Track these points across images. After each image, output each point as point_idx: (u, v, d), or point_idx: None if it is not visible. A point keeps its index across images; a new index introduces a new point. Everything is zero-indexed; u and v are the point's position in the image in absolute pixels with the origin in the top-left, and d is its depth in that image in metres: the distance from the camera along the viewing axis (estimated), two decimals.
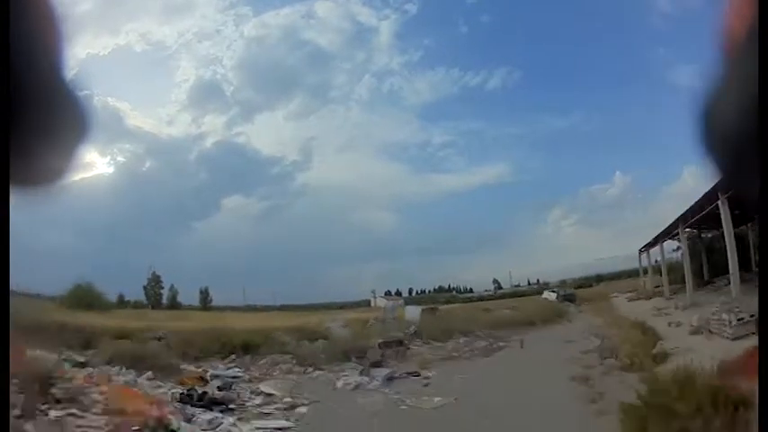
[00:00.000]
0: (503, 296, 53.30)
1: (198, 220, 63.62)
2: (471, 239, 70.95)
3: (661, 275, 29.73)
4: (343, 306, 47.35)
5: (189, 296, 43.36)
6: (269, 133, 76.97)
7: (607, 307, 30.13)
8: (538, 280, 63.39)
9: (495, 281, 64.64)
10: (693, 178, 65.88)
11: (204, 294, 44.88)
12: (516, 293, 56.27)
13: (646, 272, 35.98)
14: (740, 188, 0.50)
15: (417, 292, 63.60)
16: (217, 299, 45.20)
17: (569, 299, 36.41)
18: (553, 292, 40.35)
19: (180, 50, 71.18)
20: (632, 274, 52.03)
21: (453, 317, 24.72)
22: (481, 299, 52.96)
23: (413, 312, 25.56)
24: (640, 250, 35.67)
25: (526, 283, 64.40)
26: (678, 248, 29.09)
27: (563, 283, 54.97)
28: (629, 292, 35.75)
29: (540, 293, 48.53)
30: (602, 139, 75.79)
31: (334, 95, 73.89)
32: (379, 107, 79.24)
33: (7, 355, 0.50)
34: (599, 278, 59.96)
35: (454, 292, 62.66)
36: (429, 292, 63.91)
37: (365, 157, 75.93)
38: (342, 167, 74.60)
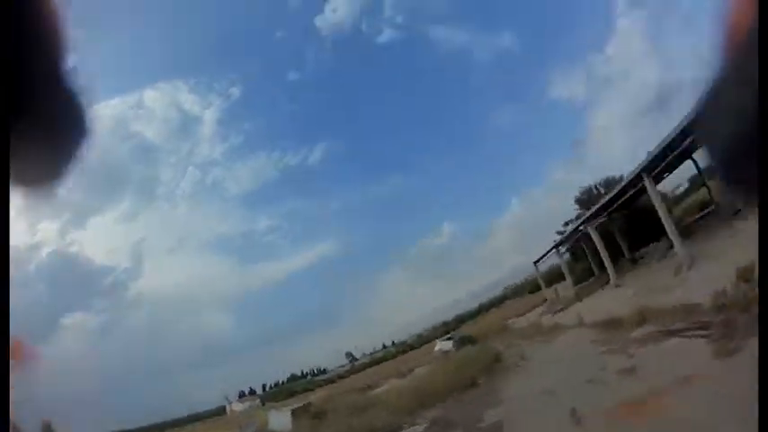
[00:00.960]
0: (363, 367, 51.67)
1: (40, 342, 62.82)
2: (310, 321, 69.16)
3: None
4: (198, 417, 45.62)
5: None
6: (101, 239, 76.54)
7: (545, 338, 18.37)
8: (393, 341, 62.72)
9: (349, 354, 62.45)
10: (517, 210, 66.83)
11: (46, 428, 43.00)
12: (374, 361, 54.61)
13: (550, 284, 35.06)
14: (739, 184, 0.52)
15: (271, 386, 60.08)
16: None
17: (469, 340, 27.91)
18: (447, 340, 31.50)
19: None
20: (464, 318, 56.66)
21: (335, 409, 16.27)
22: (340, 377, 50.49)
23: (280, 421, 16.94)
24: (535, 263, 35.10)
25: (381, 347, 63.12)
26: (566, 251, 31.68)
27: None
28: (534, 309, 32.92)
29: (397, 354, 46.70)
30: (422, 196, 71.02)
31: (161, 192, 70.98)
32: (204, 200, 75.27)
33: (7, 355, 0.50)
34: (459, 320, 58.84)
35: (309, 377, 59.57)
36: (283, 383, 59.88)
37: (194, 256, 71.89)
38: (172, 270, 71.21)
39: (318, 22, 69.78)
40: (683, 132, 14.44)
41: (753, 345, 5.55)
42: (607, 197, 22.97)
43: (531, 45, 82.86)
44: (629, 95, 70.71)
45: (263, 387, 60.99)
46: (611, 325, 12.96)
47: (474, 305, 68.54)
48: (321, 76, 76.14)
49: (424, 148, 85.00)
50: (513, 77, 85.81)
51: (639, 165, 18.24)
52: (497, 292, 69.78)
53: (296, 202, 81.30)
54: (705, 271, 12.53)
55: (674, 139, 15.16)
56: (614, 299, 17.46)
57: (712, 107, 0.50)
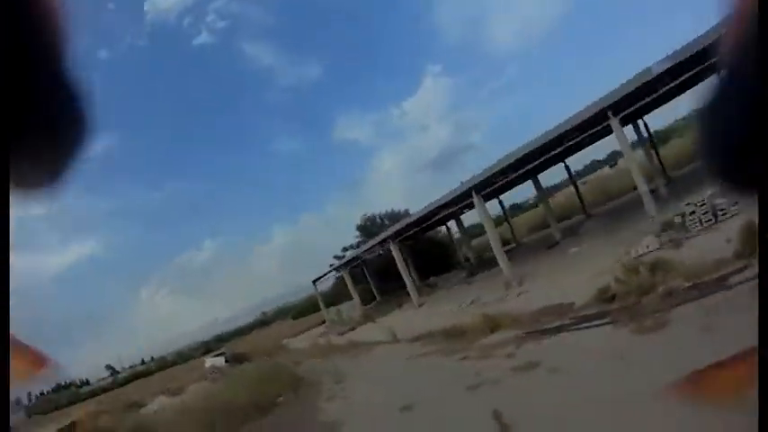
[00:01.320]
0: (125, 381, 50.20)
1: None
2: (67, 327, 64.25)
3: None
4: None
5: None
6: None
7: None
8: (152, 357, 61.54)
9: (110, 366, 59.60)
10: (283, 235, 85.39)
11: None
12: (136, 374, 52.83)
13: (332, 304, 33.55)
14: (739, 184, 0.52)
15: (37, 396, 52.66)
16: None
17: (243, 358, 26.50)
18: (219, 355, 28.73)
19: None
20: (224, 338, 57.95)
21: None
22: (104, 390, 48.17)
23: None
24: (314, 281, 33.44)
25: (140, 362, 61.52)
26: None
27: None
28: (312, 329, 33.07)
29: (158, 370, 46.67)
30: (193, 208, 74.74)
31: None
32: None
33: (7, 355, 0.50)
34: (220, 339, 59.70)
35: (73, 388, 54.79)
36: (48, 393, 53.38)
37: None
38: None
39: (147, 5, 57.02)
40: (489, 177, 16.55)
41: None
42: (401, 225, 23.29)
43: (335, 81, 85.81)
44: (415, 150, 79.17)
45: (28, 396, 47.70)
46: (452, 335, 11.83)
47: (233, 325, 68.32)
48: (128, 62, 64.02)
49: (207, 161, 79.95)
50: (309, 108, 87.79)
51: (441, 198, 19.23)
52: (259, 313, 70.68)
53: (68, 197, 64.32)
54: (537, 286, 13.29)
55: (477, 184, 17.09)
56: (428, 315, 17.10)
57: (713, 107, 0.52)
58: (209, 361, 27.61)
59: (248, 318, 69.22)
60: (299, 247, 75.11)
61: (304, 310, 51.15)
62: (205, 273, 65.82)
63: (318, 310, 35.51)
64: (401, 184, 78.38)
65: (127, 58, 62.88)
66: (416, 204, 74.57)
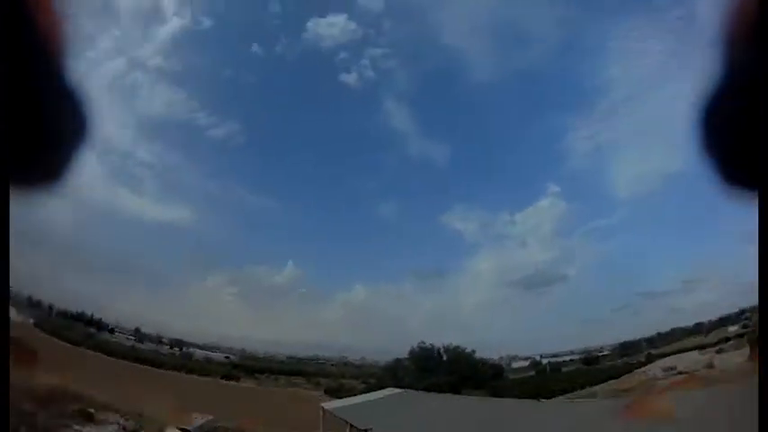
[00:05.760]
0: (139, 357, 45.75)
1: None
2: (129, 268, 61.13)
3: None
4: None
5: None
6: None
7: None
8: (182, 339, 58.30)
9: (138, 330, 55.84)
10: (363, 294, 67.59)
11: None
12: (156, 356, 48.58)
13: None
14: (739, 184, 0.51)
15: (58, 312, 50.85)
16: None
17: None
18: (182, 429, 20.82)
19: None
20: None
21: None
22: (124, 353, 45.19)
23: None
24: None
25: (169, 338, 57.69)
26: None
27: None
28: None
29: None
30: (288, 227, 74.94)
31: (89, 55, 62.61)
32: (112, 94, 65.02)
33: (7, 355, 0.50)
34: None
35: (93, 329, 51.19)
36: (69, 314, 51.03)
37: None
38: None
39: (310, 23, 67.47)
40: None
41: None
42: None
43: (459, 168, 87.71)
44: (511, 263, 75.16)
45: (50, 307, 49.69)
46: None
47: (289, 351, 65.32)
48: (275, 69, 73.80)
49: (309, 190, 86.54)
50: (426, 184, 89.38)
51: None
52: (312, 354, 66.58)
53: (181, 159, 75.22)
54: None
55: None
56: None
57: (713, 107, 0.50)
58: None
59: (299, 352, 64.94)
60: (367, 311, 71.94)
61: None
62: (279, 293, 66.00)
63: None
64: (487, 293, 73.72)
65: (275, 64, 71.64)
66: (493, 322, 67.44)
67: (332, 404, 22.54)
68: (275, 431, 26.75)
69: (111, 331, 52.15)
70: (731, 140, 0.50)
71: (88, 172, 60.80)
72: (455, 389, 30.36)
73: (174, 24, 62.42)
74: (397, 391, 24.44)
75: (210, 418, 25.06)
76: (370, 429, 18.28)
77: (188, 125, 65.56)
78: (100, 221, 63.73)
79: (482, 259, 71.52)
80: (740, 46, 0.46)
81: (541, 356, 55.19)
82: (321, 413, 21.85)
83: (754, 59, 0.44)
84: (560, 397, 33.19)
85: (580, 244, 73.23)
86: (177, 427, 23.35)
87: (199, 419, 24.84)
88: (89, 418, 22.78)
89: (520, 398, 29.19)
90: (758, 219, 0.50)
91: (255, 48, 66.44)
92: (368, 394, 25.28)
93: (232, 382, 47.24)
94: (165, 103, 66.87)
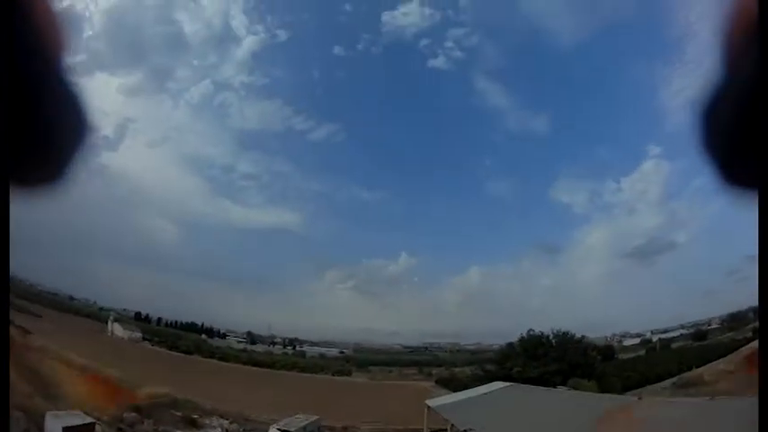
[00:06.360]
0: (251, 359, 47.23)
1: None
2: (240, 276, 65.17)
3: None
4: (77, 311, 45.30)
5: None
6: (97, 94, 71.24)
7: None
8: (297, 338, 60.03)
9: (250, 333, 58.19)
10: (478, 276, 63.23)
11: None
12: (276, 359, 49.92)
13: None
14: (738, 184, 0.52)
15: (167, 323, 54.53)
16: None
17: None
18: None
19: None
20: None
21: None
22: (235, 356, 47.03)
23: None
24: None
25: (283, 337, 59.41)
26: None
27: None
28: None
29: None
30: (399, 217, 73.01)
31: (170, 87, 66.17)
32: (204, 116, 74.68)
33: (7, 354, 0.51)
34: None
35: (204, 336, 54.48)
36: (178, 324, 54.36)
37: (171, 160, 69.73)
38: (146, 162, 67.17)
39: (385, 17, 65.70)
40: None
41: None
42: None
43: (560, 139, 79.40)
44: (621, 233, 67.34)
45: (158, 320, 54.12)
46: None
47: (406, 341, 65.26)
48: (362, 66, 73.11)
49: (417, 180, 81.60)
50: (529, 159, 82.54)
51: None
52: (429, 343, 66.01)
53: (284, 165, 77.00)
54: None
55: None
56: None
57: (713, 106, 0.51)
58: None
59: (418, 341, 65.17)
60: (484, 292, 70.65)
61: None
62: (393, 284, 68.53)
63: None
64: (600, 266, 67.45)
65: (360, 61, 71.81)
66: (607, 298, 62.67)
67: (436, 401, 21.69)
68: (381, 429, 25.84)
69: (223, 336, 56.22)
70: (732, 140, 0.49)
71: (193, 189, 68.75)
72: (564, 376, 30.20)
73: (250, 42, 65.34)
74: (502, 385, 23.56)
75: (315, 418, 23.69)
76: (471, 430, 17.06)
77: (286, 133, 68.60)
78: (208, 234, 69.79)
79: (593, 231, 66.61)
80: (741, 45, 0.46)
81: (652, 333, 53.70)
82: (426, 410, 21.31)
83: (753, 59, 0.44)
84: (667, 382, 32.60)
85: (688, 205, 61.94)
86: (278, 429, 22.64)
87: (302, 420, 23.84)
88: (192, 424, 23.36)
89: (627, 384, 30.97)
90: (758, 218, 0.51)
91: (338, 49, 67.77)
92: (473, 390, 24.14)
93: (344, 377, 47.01)
94: (258, 115, 71.42)
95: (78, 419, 15.28)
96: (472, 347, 61.14)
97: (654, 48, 64.38)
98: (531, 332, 36.88)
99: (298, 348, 58.77)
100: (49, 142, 0.49)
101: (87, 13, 58.78)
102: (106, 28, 60.70)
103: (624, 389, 29.35)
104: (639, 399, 17.99)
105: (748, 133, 0.46)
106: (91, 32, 59.16)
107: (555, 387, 25.02)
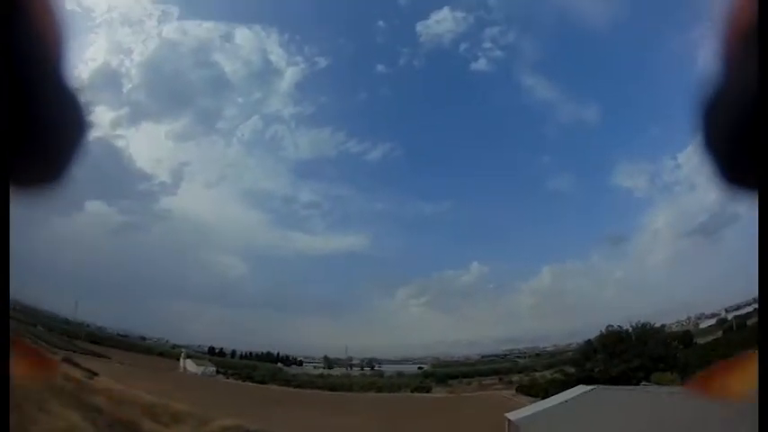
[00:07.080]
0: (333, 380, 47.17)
1: (58, 215, 52.31)
2: (312, 303, 64.56)
3: None
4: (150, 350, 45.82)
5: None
6: (148, 145, 71.04)
7: None
8: (374, 358, 58.66)
9: (326, 358, 56.49)
10: (550, 276, 63.43)
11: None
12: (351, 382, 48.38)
13: None
14: (738, 183, 0.51)
15: (241, 355, 54.39)
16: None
17: None
18: None
19: (102, 26, 61.92)
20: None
21: None
22: (312, 382, 45.71)
23: None
24: None
25: (360, 358, 57.90)
26: None
27: None
28: None
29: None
30: (464, 226, 72.50)
31: (220, 127, 68.88)
32: (258, 151, 74.96)
33: (7, 354, 0.50)
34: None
35: (280, 365, 53.46)
36: (253, 356, 54.20)
37: (230, 198, 71.45)
38: (206, 202, 69.46)
39: (419, 27, 64.79)
40: None
41: None
42: None
43: (612, 124, 74.47)
44: (684, 210, 63.92)
45: (233, 353, 55.01)
46: None
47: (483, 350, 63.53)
48: (406, 80, 72.26)
49: (475, 184, 77.80)
50: (585, 148, 77.69)
51: None
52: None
53: (343, 189, 77.03)
54: None
55: None
56: None
57: (713, 106, 0.50)
58: None
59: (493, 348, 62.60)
60: (557, 292, 66.83)
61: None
62: (467, 294, 66.09)
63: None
64: (666, 249, 62.64)
65: (404, 76, 71.21)
66: (679, 281, 60.11)
67: (516, 414, 21.04)
68: None
69: (300, 363, 55.44)
70: (732, 140, 0.48)
71: (255, 223, 70.66)
72: (647, 372, 28.81)
73: (291, 73, 67.11)
74: (584, 389, 21.86)
75: None
76: None
77: (340, 157, 69.92)
78: (275, 265, 70.68)
79: (658, 213, 64.75)
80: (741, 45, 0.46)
81: (726, 311, 51.46)
82: (506, 425, 20.42)
83: (753, 58, 0.44)
84: None
85: None
86: None
87: None
88: None
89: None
90: (758, 218, 0.50)
91: (380, 68, 68.62)
92: (554, 398, 22.69)
93: (423, 394, 43.85)
94: (311, 144, 73.14)
95: None
96: (551, 349, 59.12)
97: (689, 17, 59.00)
98: (610, 327, 34.73)
99: (376, 368, 57.41)
100: (49, 142, 0.48)
101: (123, 69, 63.34)
102: (146, 79, 64.96)
103: None
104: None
105: (748, 133, 0.46)
106: (131, 85, 63.58)
107: (638, 384, 23.87)
